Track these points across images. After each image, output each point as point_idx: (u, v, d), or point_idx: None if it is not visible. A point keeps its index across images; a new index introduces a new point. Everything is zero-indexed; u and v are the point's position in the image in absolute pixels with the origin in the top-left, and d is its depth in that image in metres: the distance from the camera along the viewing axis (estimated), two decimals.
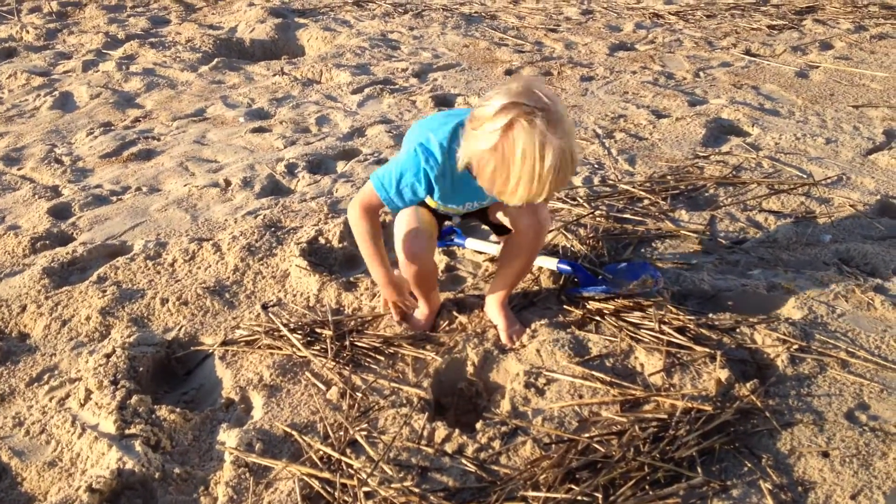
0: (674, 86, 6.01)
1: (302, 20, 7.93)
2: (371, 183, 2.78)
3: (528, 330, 3.01)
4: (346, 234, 3.73)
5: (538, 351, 2.90)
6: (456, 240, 3.48)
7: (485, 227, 3.31)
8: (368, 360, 2.91)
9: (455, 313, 3.15)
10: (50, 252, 3.73)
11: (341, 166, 4.67)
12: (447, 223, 3.13)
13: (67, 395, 2.83)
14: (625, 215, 3.88)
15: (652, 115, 5.34)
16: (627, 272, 3.22)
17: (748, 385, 2.67)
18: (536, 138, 2.32)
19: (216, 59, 6.81)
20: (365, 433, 2.56)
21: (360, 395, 2.73)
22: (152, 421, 2.64)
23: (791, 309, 3.14)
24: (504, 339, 2.99)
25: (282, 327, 3.07)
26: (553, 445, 2.48)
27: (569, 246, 3.51)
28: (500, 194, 2.48)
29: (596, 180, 4.31)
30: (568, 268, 3.24)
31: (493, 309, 3.06)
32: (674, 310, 3.06)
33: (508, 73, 6.32)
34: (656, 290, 3.13)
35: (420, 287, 3.03)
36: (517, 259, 3.01)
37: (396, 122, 5.31)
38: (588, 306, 3.12)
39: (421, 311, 3.13)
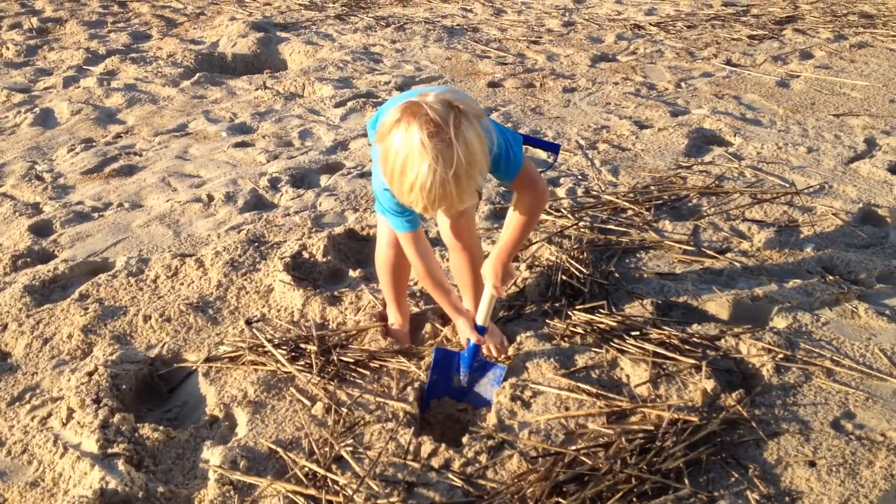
0: (656, 96, 6.03)
1: (284, 34, 7.92)
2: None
3: (510, 344, 3.00)
4: (331, 247, 3.71)
5: (524, 363, 2.89)
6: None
7: None
8: (353, 374, 2.90)
9: (439, 326, 3.14)
10: (31, 270, 3.70)
11: (325, 180, 4.66)
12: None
13: (49, 415, 2.80)
14: (609, 226, 3.88)
15: (634, 125, 5.35)
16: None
17: (734, 395, 2.68)
18: (408, 145, 2.18)
19: (198, 74, 6.79)
20: (350, 449, 2.54)
21: (345, 410, 2.71)
22: (135, 439, 2.62)
23: (776, 318, 3.15)
24: (485, 351, 2.98)
25: (266, 343, 3.05)
26: (540, 459, 2.47)
27: (553, 259, 3.50)
28: (391, 191, 2.39)
29: (579, 191, 4.32)
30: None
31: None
32: (658, 321, 3.06)
33: (491, 85, 6.33)
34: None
35: (394, 281, 3.04)
36: (458, 274, 3.05)
37: None
38: (573, 318, 3.12)
39: (396, 321, 3.13)
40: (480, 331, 2.87)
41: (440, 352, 2.91)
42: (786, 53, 7.08)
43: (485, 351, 2.97)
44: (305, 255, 3.68)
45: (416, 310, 3.26)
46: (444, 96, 2.23)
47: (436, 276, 2.83)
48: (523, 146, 2.85)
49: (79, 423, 2.69)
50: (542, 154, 4.24)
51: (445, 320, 3.16)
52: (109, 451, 2.56)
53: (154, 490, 2.42)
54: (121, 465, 2.49)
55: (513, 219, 2.72)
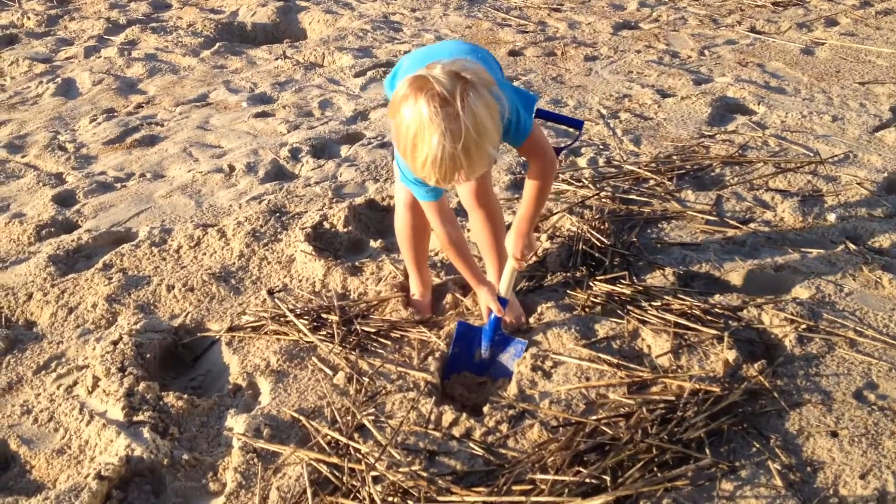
0: (678, 64, 5.97)
1: (303, 3, 7.89)
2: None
3: (530, 316, 3.01)
4: (351, 218, 3.72)
5: (545, 333, 2.89)
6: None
7: None
8: (375, 344, 2.91)
9: (459, 296, 3.14)
10: (55, 240, 3.73)
11: (345, 150, 4.66)
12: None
13: (75, 383, 2.83)
14: (630, 196, 3.86)
15: (657, 94, 5.31)
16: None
17: (756, 365, 2.67)
18: (416, 121, 2.19)
19: (218, 44, 6.78)
20: (372, 418, 2.56)
21: (366, 379, 2.73)
22: (160, 408, 2.65)
23: (799, 288, 3.13)
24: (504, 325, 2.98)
25: (288, 313, 3.07)
26: (560, 428, 2.48)
27: (574, 229, 3.49)
28: (406, 164, 2.40)
29: (601, 161, 4.29)
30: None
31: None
32: (680, 291, 3.06)
33: (512, 53, 6.29)
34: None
35: (415, 246, 3.04)
36: (478, 236, 3.05)
37: None
38: (595, 289, 3.11)
39: (418, 291, 3.14)
40: (502, 302, 2.87)
41: (463, 325, 2.92)
42: (811, 20, 6.98)
43: (505, 324, 2.98)
44: (326, 225, 3.69)
45: (437, 280, 3.26)
46: (451, 67, 2.21)
47: (459, 245, 2.83)
48: (544, 120, 2.84)
49: (104, 391, 2.72)
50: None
51: (466, 290, 3.16)
52: (135, 418, 2.60)
53: (179, 457, 2.45)
54: (146, 432, 2.52)
55: (525, 190, 2.74)
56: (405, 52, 6.33)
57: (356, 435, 2.51)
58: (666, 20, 7.16)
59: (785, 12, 7.26)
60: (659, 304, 3.00)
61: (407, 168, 2.60)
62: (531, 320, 2.99)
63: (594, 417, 2.49)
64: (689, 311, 2.95)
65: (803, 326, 2.87)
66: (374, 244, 3.58)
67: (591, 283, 3.14)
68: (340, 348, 2.87)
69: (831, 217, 3.65)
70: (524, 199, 2.76)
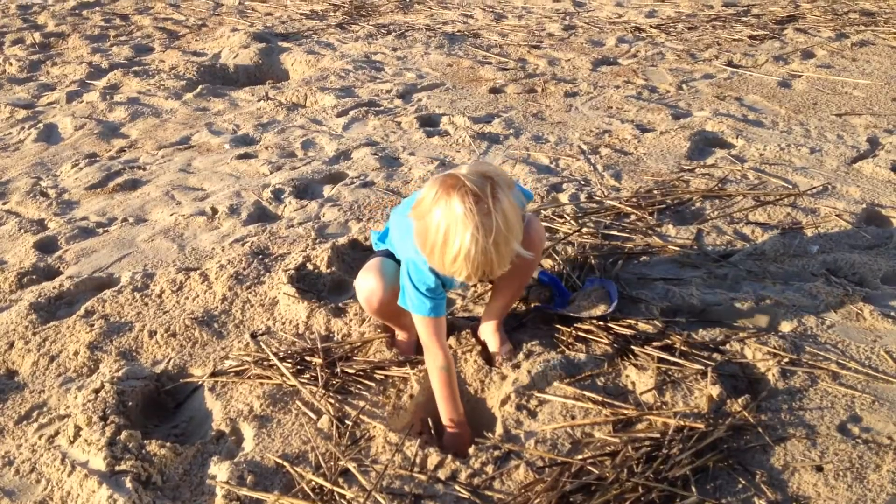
0: (657, 99, 6.03)
1: (285, 44, 7.93)
2: (411, 313, 2.77)
3: (520, 352, 3.00)
4: (335, 258, 3.72)
5: (529, 372, 2.89)
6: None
7: None
8: (359, 386, 2.90)
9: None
10: (37, 287, 3.71)
11: (328, 190, 4.67)
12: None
13: (57, 433, 2.80)
14: (612, 231, 3.88)
15: (636, 129, 5.35)
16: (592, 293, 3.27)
17: (740, 400, 2.68)
18: (449, 217, 2.30)
19: (200, 86, 6.80)
20: (357, 462, 2.54)
21: (350, 423, 2.71)
22: (142, 456, 2.62)
23: (781, 321, 3.15)
24: (496, 361, 2.98)
25: (271, 356, 3.06)
26: (546, 468, 2.47)
27: (555, 262, 3.50)
28: (432, 264, 2.49)
29: (582, 197, 4.32)
30: (546, 279, 3.27)
31: (487, 331, 3.05)
32: (663, 326, 3.07)
33: (493, 91, 6.34)
34: (609, 314, 3.13)
35: (390, 319, 3.07)
36: (507, 288, 3.02)
37: (382, 144, 5.31)
38: (579, 325, 3.11)
39: (402, 335, 3.14)
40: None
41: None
42: (787, 53, 7.08)
43: (497, 360, 2.98)
44: (310, 266, 3.68)
45: None
46: (478, 168, 2.36)
47: (450, 370, 2.73)
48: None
49: (86, 440, 2.69)
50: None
51: (450, 330, 3.15)
52: (117, 468, 2.57)
53: None
54: (128, 482, 2.50)
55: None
56: (387, 91, 6.38)
57: (341, 480, 2.49)
58: (644, 55, 7.24)
59: (762, 46, 7.35)
60: (643, 339, 3.01)
61: (419, 278, 2.66)
62: (517, 358, 2.99)
63: (580, 457, 2.49)
64: (672, 346, 2.96)
65: (786, 360, 2.88)
66: None
67: (574, 322, 3.14)
68: (324, 391, 2.86)
69: (811, 249, 3.67)
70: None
